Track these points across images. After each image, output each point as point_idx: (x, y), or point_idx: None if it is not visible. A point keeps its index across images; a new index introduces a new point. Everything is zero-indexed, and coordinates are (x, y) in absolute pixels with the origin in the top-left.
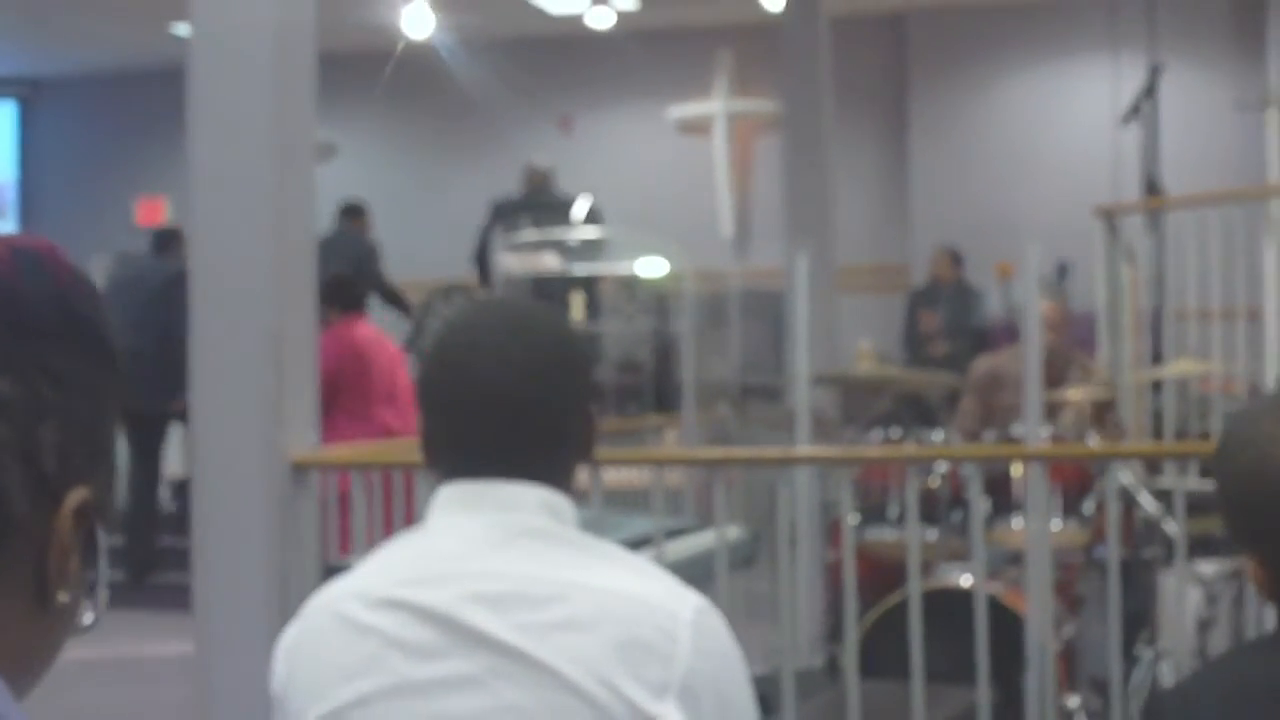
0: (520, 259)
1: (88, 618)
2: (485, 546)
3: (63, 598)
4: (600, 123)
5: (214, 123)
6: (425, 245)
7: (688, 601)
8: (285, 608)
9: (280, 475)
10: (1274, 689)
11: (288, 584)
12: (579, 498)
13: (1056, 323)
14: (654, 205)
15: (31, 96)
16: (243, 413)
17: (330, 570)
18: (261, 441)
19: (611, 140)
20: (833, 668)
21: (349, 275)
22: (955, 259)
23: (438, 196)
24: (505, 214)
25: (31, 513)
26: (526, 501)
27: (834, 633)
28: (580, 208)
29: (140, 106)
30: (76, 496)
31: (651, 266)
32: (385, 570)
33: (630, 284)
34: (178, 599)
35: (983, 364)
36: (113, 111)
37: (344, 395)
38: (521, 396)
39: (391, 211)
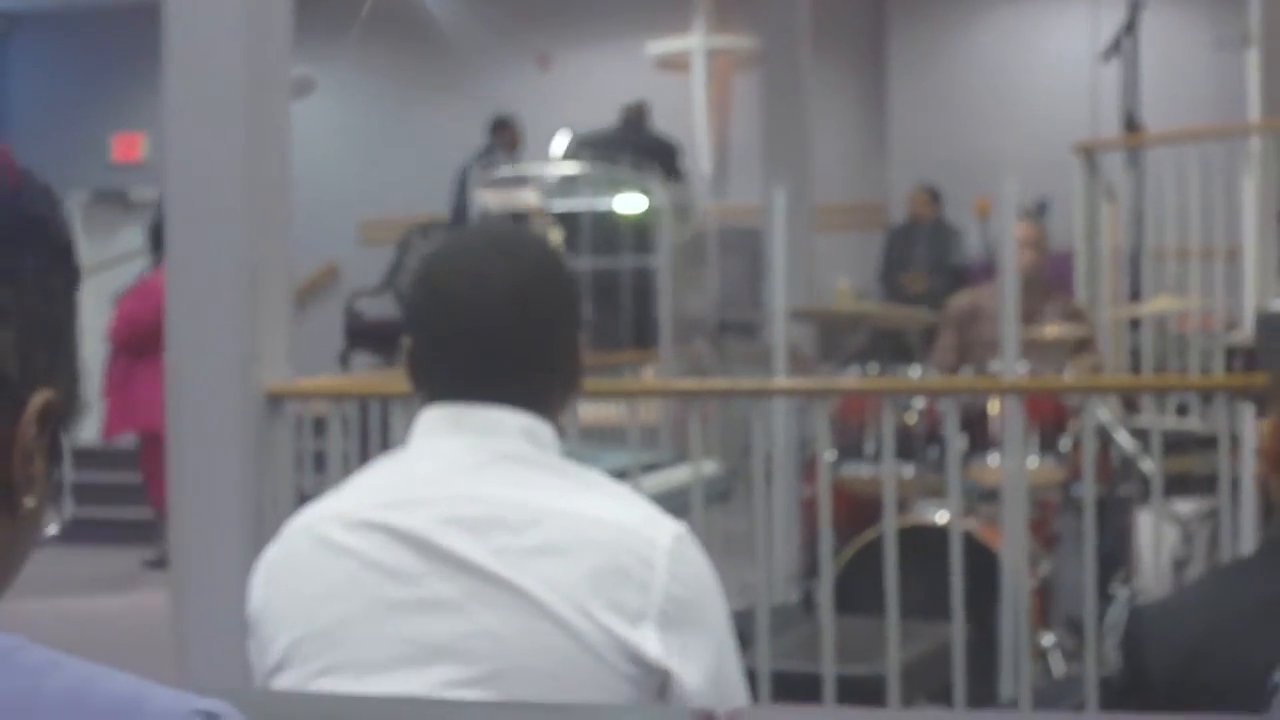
0: (499, 195)
1: (52, 527)
2: (464, 470)
3: (29, 503)
4: (578, 59)
5: (189, 57)
6: (403, 182)
7: (666, 529)
8: (261, 537)
9: (256, 405)
10: (1255, 604)
11: (263, 513)
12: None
13: (1035, 241)
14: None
15: (6, 30)
16: (218, 344)
17: (306, 500)
18: (237, 372)
19: (589, 77)
20: (808, 604)
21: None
22: (933, 197)
23: (416, 133)
24: (598, 147)
25: None
26: (507, 426)
27: (809, 569)
28: (559, 143)
29: (117, 41)
30: (40, 399)
31: (629, 203)
32: (364, 493)
33: (608, 219)
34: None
35: (961, 298)
36: (89, 46)
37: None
38: (500, 317)
39: (369, 148)
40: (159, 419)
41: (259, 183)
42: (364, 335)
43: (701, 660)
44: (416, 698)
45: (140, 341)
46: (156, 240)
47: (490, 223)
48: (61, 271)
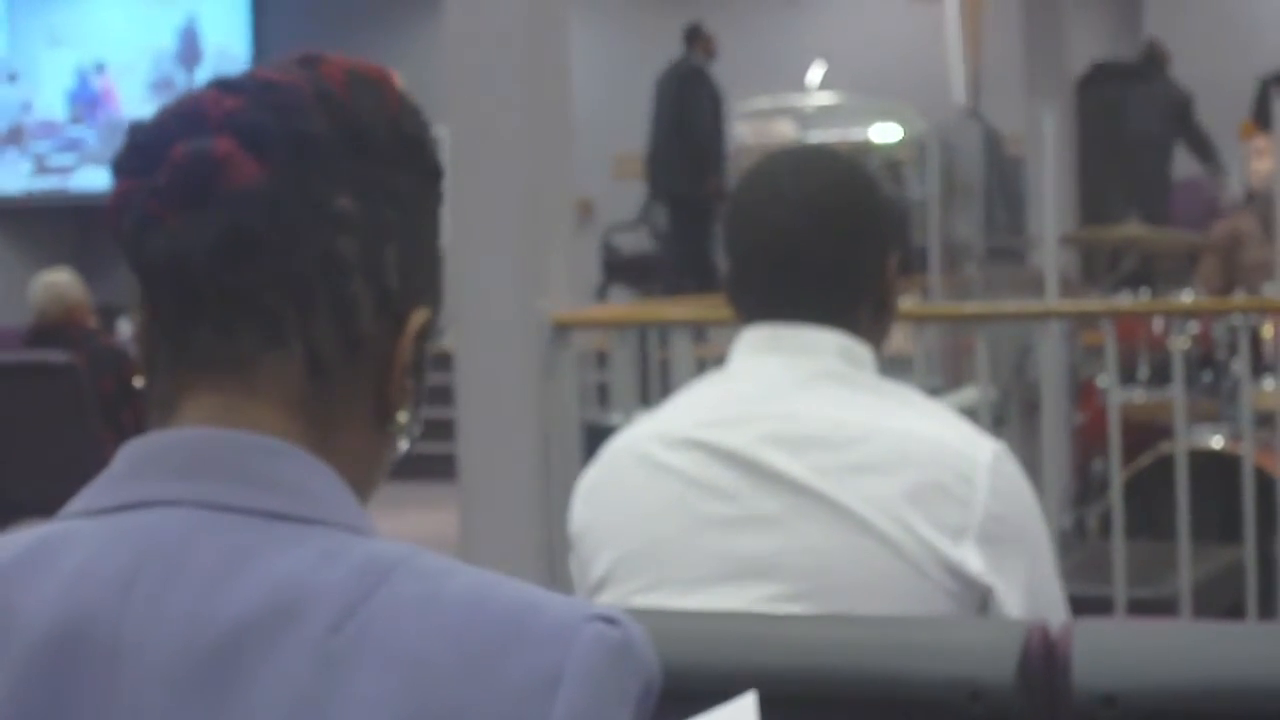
0: (753, 127)
1: (403, 444)
2: (783, 389)
3: (402, 418)
4: None
5: None
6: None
7: (985, 446)
8: (548, 465)
9: (541, 335)
10: None
11: (549, 442)
12: None
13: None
14: (885, 74)
15: None
16: (503, 274)
17: (592, 428)
18: (522, 302)
19: (839, 7)
20: (1080, 529)
21: None
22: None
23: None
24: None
25: (377, 332)
26: (824, 345)
27: (1080, 495)
28: (814, 74)
29: None
30: (420, 317)
31: (885, 132)
32: (686, 412)
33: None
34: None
35: (1222, 225)
36: None
37: None
38: (796, 231)
39: (620, 83)
40: None
41: (539, 105)
42: (621, 269)
43: (1022, 577)
44: (742, 612)
45: None
46: None
47: (800, 146)
48: (434, 191)
